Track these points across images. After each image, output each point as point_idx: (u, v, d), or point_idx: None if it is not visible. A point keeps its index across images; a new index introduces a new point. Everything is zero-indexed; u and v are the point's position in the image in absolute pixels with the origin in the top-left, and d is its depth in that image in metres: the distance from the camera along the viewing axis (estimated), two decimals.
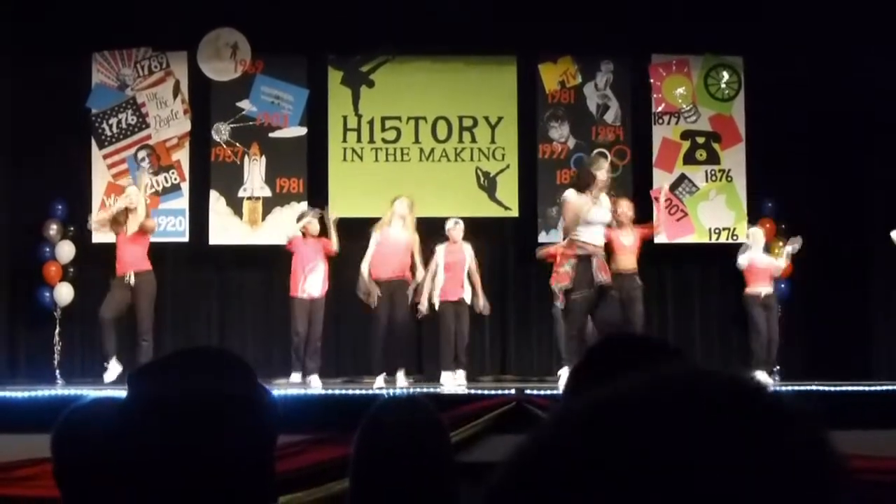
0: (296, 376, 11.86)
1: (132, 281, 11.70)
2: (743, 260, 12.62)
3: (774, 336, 12.43)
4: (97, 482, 2.49)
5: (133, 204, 11.81)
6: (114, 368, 11.54)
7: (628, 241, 12.07)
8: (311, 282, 11.95)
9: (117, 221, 11.90)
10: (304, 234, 12.14)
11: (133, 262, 11.75)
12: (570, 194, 10.21)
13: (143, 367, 1.77)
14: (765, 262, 12.63)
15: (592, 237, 10.12)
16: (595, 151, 13.37)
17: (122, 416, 1.72)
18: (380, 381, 11.40)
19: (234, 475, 1.63)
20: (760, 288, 12.53)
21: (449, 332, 12.03)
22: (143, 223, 11.81)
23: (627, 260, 11.99)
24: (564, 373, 11.18)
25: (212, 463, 1.62)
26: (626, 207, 12.29)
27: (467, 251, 12.22)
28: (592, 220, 10.07)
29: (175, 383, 1.68)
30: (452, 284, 12.12)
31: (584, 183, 10.26)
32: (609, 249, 11.15)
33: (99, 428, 2.57)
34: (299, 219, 12.33)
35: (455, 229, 12.28)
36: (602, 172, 10.28)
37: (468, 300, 12.18)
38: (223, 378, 1.72)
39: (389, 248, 11.72)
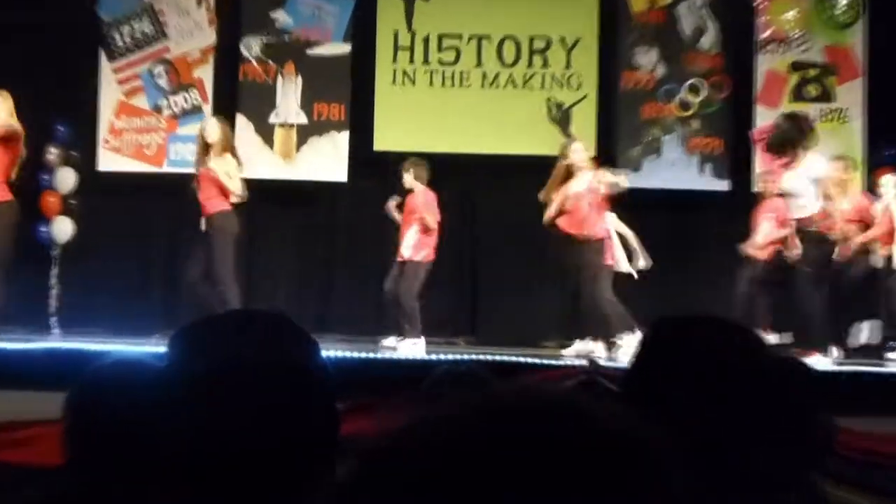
0: (390, 339, 11.82)
1: None
2: None
3: None
4: (120, 452, 2.53)
5: None
6: None
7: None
8: (404, 242, 12.00)
9: None
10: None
11: None
12: None
13: (187, 329, 1.78)
14: None
15: None
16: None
17: (162, 382, 1.74)
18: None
19: (292, 455, 1.65)
20: None
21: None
22: None
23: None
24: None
25: (266, 439, 1.64)
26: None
27: None
28: None
29: (224, 350, 1.70)
30: None
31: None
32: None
33: (124, 392, 2.61)
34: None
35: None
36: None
37: None
38: (277, 346, 1.73)
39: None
